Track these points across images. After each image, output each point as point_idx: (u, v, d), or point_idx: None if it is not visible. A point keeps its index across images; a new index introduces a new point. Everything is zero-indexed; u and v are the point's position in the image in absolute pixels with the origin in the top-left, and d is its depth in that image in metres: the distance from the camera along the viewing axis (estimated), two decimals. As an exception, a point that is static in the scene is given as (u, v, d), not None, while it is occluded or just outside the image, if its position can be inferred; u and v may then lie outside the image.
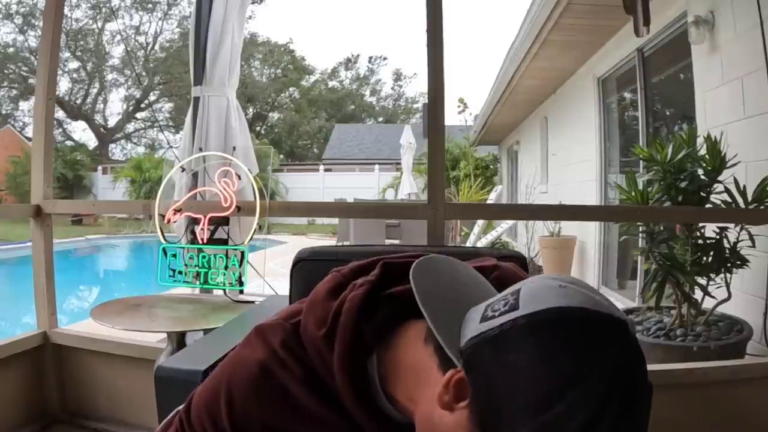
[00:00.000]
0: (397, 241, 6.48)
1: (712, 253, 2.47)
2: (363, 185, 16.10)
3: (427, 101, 2.06)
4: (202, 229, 2.09)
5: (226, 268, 2.05)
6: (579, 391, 0.47)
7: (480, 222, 6.95)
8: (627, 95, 5.23)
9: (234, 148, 2.31)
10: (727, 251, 2.42)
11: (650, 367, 1.84)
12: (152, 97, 26.80)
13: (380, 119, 32.53)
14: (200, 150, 2.35)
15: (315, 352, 0.64)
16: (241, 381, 0.64)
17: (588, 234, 5.59)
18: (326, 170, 19.26)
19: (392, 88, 34.07)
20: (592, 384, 0.48)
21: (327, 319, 0.64)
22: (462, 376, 0.53)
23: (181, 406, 0.70)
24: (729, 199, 2.40)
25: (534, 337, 0.50)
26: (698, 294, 2.54)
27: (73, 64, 25.08)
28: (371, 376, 0.64)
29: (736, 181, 2.38)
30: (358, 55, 33.34)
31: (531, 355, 0.50)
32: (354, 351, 0.63)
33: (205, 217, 2.09)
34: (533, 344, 0.50)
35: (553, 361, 0.49)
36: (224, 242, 2.10)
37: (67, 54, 24.07)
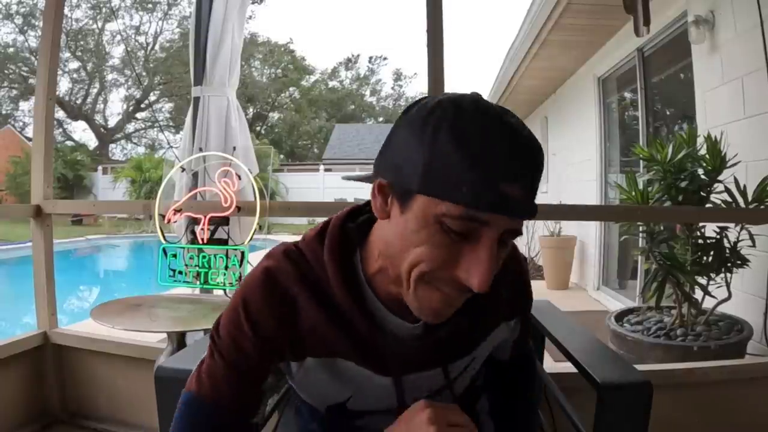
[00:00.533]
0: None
1: (712, 252, 2.47)
2: (363, 185, 16.05)
3: (427, 101, 2.05)
4: (202, 229, 2.09)
5: (226, 268, 2.05)
6: (438, 112, 0.62)
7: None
8: (627, 95, 5.22)
9: (234, 148, 2.31)
10: (728, 251, 2.42)
11: (650, 367, 1.84)
12: (152, 97, 26.80)
13: (380, 119, 32.55)
14: (200, 150, 2.35)
15: (311, 253, 0.75)
16: (251, 287, 0.75)
17: (588, 234, 5.59)
18: (326, 170, 19.26)
19: (392, 88, 34.18)
20: (444, 105, 0.62)
21: (320, 227, 0.78)
22: (379, 181, 0.67)
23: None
24: (729, 199, 2.40)
25: (404, 116, 0.66)
26: (698, 294, 2.54)
27: (73, 64, 25.11)
28: (356, 268, 0.74)
29: (736, 181, 2.38)
30: (358, 55, 33.39)
31: (403, 122, 0.66)
32: (341, 243, 0.74)
33: (205, 217, 2.09)
34: (403, 119, 0.66)
35: (417, 109, 0.65)
36: (224, 242, 2.09)
37: (67, 54, 24.07)
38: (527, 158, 0.61)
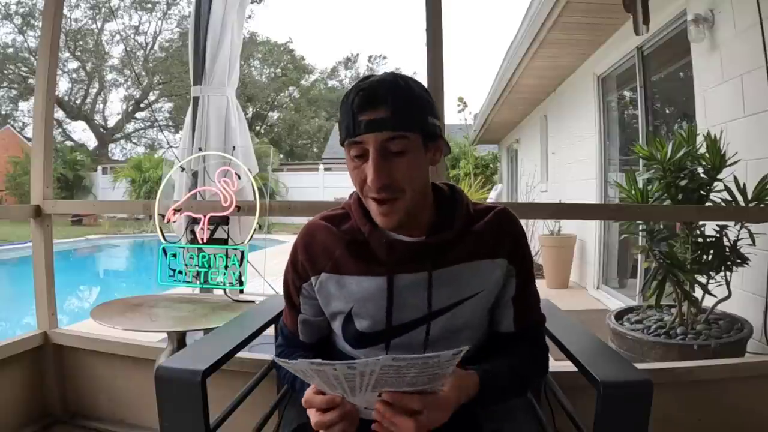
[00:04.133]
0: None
1: (712, 251, 2.46)
2: (363, 184, 16.03)
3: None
4: (202, 228, 2.09)
5: (226, 267, 2.04)
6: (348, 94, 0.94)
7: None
8: (627, 93, 5.22)
9: (234, 148, 2.31)
10: (727, 249, 2.42)
11: (650, 366, 1.83)
12: (152, 97, 26.78)
13: (380, 118, 32.39)
14: (200, 150, 2.35)
15: (345, 204, 1.06)
16: (299, 235, 1.07)
17: (588, 232, 5.59)
18: (326, 169, 19.25)
19: (392, 88, 33.96)
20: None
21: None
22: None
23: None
24: (729, 198, 2.39)
25: None
26: (698, 292, 2.54)
27: (73, 64, 25.06)
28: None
29: (735, 180, 2.38)
30: (357, 54, 33.35)
31: None
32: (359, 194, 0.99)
33: (204, 216, 2.09)
34: None
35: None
36: (224, 242, 2.09)
37: (67, 54, 24.04)
38: (373, 95, 0.90)
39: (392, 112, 0.89)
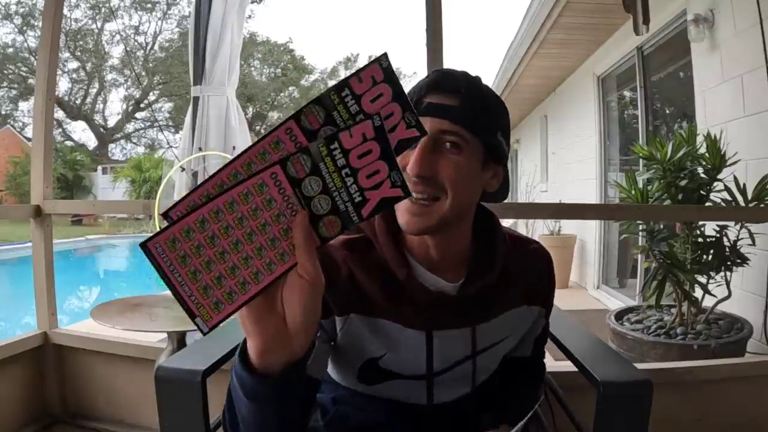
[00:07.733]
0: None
1: (712, 251, 2.47)
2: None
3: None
4: (202, 228, 2.09)
5: (226, 267, 2.04)
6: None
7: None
8: (627, 93, 5.22)
9: (234, 148, 2.31)
10: (727, 249, 2.42)
11: (650, 366, 1.83)
12: (152, 97, 26.76)
13: (380, 118, 32.47)
14: (200, 149, 2.35)
15: (368, 228, 0.89)
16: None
17: (588, 232, 5.59)
18: (326, 170, 19.24)
19: (392, 87, 34.03)
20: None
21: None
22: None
23: None
24: (729, 198, 2.39)
25: None
26: (698, 292, 2.54)
27: (73, 64, 25.03)
28: (402, 238, 0.89)
29: (735, 180, 2.38)
30: (357, 55, 33.29)
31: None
32: (389, 216, 0.86)
33: (204, 216, 2.09)
34: None
35: None
36: (224, 242, 2.09)
37: (67, 54, 24.03)
38: (448, 79, 0.82)
39: (462, 104, 0.79)
